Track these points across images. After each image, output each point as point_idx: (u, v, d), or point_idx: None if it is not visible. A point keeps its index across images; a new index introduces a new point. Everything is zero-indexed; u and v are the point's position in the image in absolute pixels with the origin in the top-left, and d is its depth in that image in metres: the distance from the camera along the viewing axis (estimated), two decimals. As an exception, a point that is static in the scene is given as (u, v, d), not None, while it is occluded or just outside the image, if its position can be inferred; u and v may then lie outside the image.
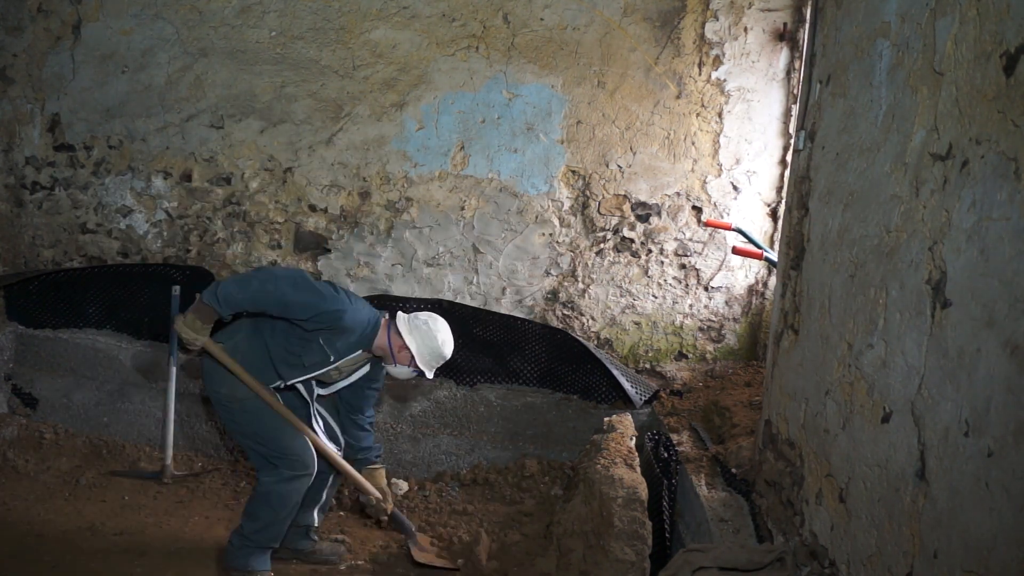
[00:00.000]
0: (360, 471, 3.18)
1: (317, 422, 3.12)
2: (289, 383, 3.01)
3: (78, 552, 3.19)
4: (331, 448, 3.10)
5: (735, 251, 3.54)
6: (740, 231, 3.88)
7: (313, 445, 3.02)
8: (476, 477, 4.04)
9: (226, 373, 2.93)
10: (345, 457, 3.18)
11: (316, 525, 3.29)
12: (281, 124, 4.28)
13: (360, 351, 3.01)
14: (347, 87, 4.20)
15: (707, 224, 4.01)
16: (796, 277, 2.64)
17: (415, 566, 3.27)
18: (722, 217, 4.13)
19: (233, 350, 2.93)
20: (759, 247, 3.72)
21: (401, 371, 3.05)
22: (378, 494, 3.21)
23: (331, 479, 3.25)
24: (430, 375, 3.06)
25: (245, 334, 3.00)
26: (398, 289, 4.31)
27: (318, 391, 3.13)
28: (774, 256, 3.70)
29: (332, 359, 2.95)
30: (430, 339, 3.00)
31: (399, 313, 3.08)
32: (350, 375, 3.11)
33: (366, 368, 3.13)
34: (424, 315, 3.08)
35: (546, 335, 4.14)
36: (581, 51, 4.06)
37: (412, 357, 2.99)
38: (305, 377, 3.00)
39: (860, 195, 2.14)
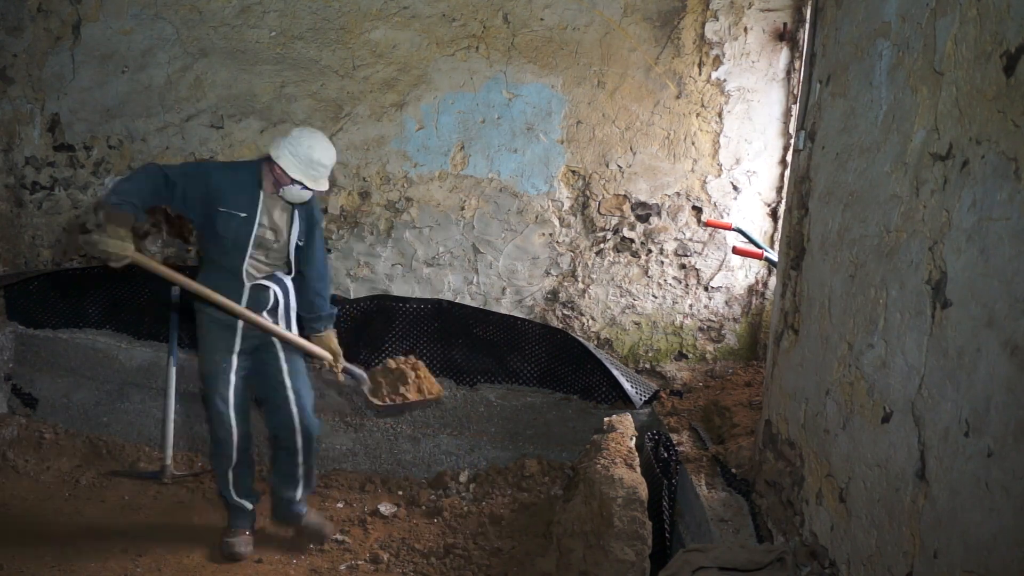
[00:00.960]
0: (311, 339, 3.32)
1: (281, 319, 3.26)
2: (248, 275, 3.15)
3: (78, 552, 3.20)
4: (273, 326, 3.20)
5: (735, 251, 3.54)
6: (740, 231, 3.88)
7: (260, 325, 3.14)
8: (477, 476, 4.04)
9: (201, 347, 3.22)
10: (301, 327, 3.35)
11: (299, 498, 3.44)
12: (281, 124, 4.28)
13: (262, 195, 3.11)
14: (347, 87, 4.20)
15: (707, 224, 4.01)
16: (796, 277, 2.64)
17: (376, 411, 3.32)
18: (722, 217, 4.13)
19: (206, 285, 3.05)
20: (759, 247, 3.72)
21: (292, 192, 3.10)
22: (328, 356, 3.31)
23: (299, 458, 3.37)
24: (317, 185, 3.09)
25: (202, 270, 3.20)
26: (398, 289, 4.31)
27: (291, 284, 3.28)
28: (774, 256, 3.70)
29: (245, 214, 3.07)
30: (296, 146, 3.05)
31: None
32: (290, 229, 3.20)
33: (297, 214, 3.21)
34: (296, 130, 3.13)
35: (546, 335, 4.14)
36: (581, 51, 4.06)
37: (284, 170, 3.04)
38: (249, 252, 3.11)
39: (860, 195, 2.14)
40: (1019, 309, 1.40)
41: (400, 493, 3.98)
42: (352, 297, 4.28)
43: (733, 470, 3.03)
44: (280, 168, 3.04)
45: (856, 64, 2.26)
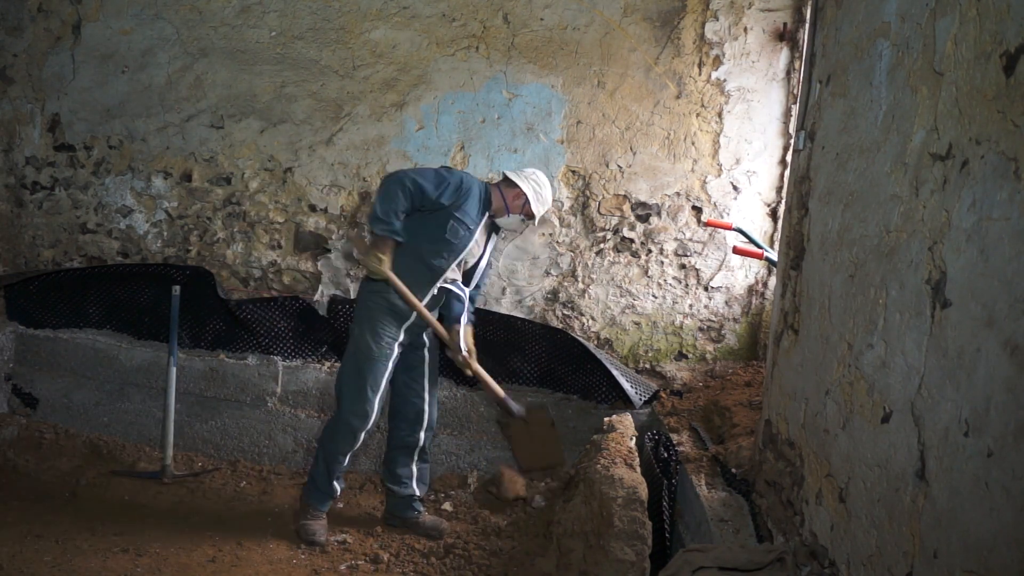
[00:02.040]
0: (449, 328, 3.48)
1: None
2: (441, 279, 3.37)
3: (78, 552, 3.19)
4: (435, 322, 3.42)
5: (736, 251, 3.55)
6: (741, 231, 3.88)
7: (429, 320, 3.36)
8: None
9: (361, 315, 3.36)
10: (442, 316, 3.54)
11: (418, 495, 3.59)
12: (281, 124, 4.28)
13: (485, 215, 3.39)
14: (347, 87, 4.20)
15: (708, 224, 4.01)
16: (796, 277, 2.64)
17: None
18: (722, 217, 4.12)
19: (397, 271, 3.28)
20: (759, 247, 3.72)
21: (513, 221, 3.45)
22: (465, 352, 3.45)
23: (419, 455, 3.57)
24: (538, 220, 3.50)
25: (400, 253, 3.32)
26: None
27: (465, 292, 3.50)
28: (775, 256, 3.70)
29: (472, 227, 3.33)
30: (539, 185, 3.42)
31: (504, 171, 3.51)
32: (484, 249, 3.50)
33: (492, 238, 3.54)
34: (529, 169, 3.50)
35: (546, 335, 4.14)
36: (581, 51, 4.06)
37: (525, 202, 3.37)
38: (457, 260, 3.37)
39: (860, 195, 2.14)
40: (1019, 309, 1.40)
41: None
42: (352, 297, 4.28)
43: (733, 470, 3.03)
44: (525, 199, 3.37)
45: (856, 64, 2.26)
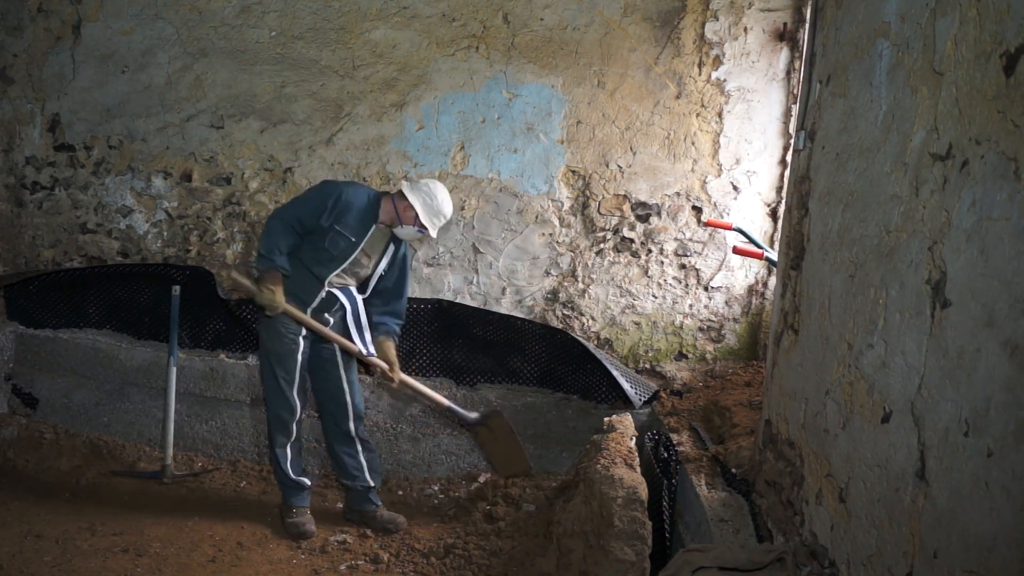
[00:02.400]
0: (374, 339, 3.56)
1: (358, 333, 3.53)
2: (328, 283, 3.42)
3: (78, 552, 3.19)
4: (330, 332, 3.47)
5: (736, 251, 3.55)
6: (741, 231, 3.88)
7: (320, 332, 3.44)
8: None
9: (267, 331, 3.43)
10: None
11: (375, 486, 3.64)
12: (281, 124, 4.28)
13: (373, 226, 3.41)
14: (347, 87, 4.20)
15: (708, 224, 4.01)
16: (796, 277, 2.64)
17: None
18: (722, 217, 4.12)
19: (286, 288, 3.36)
20: (759, 247, 3.72)
21: (407, 231, 3.43)
22: (382, 364, 3.53)
23: (358, 445, 3.60)
24: (434, 233, 3.43)
25: (290, 264, 3.41)
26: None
27: (359, 297, 3.55)
28: (774, 256, 3.70)
29: (354, 239, 3.38)
30: (430, 197, 3.38)
31: (402, 181, 3.56)
32: (380, 259, 3.51)
33: (391, 248, 3.52)
34: (424, 180, 3.45)
35: (546, 335, 4.14)
36: (581, 51, 4.06)
37: (416, 215, 3.36)
38: (340, 268, 3.41)
39: (860, 195, 2.14)
40: (1019, 309, 1.39)
41: (400, 493, 3.98)
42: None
43: (733, 470, 3.03)
44: (412, 210, 3.37)
45: (856, 64, 2.26)
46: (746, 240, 3.86)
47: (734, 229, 3.91)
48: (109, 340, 4.34)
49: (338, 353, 3.56)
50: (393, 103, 4.20)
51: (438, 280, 4.31)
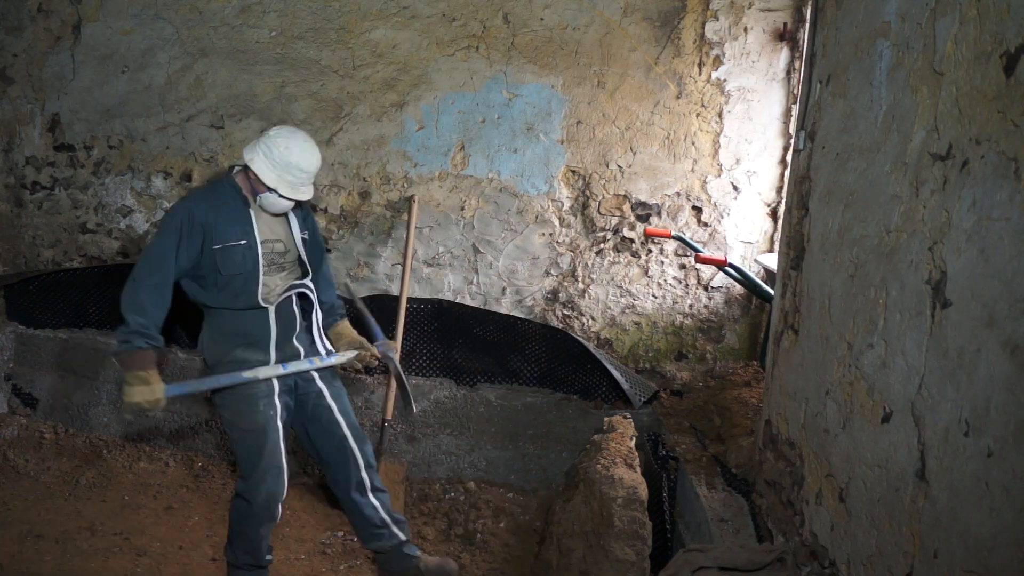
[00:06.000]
0: (329, 334, 3.03)
1: (319, 341, 2.97)
2: (270, 302, 2.78)
3: (78, 552, 3.20)
4: (307, 365, 2.88)
5: (699, 259, 3.67)
6: (680, 238, 3.93)
7: (297, 370, 2.84)
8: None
9: (231, 407, 2.79)
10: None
11: (404, 539, 3.09)
12: (281, 124, 4.28)
13: (249, 211, 2.74)
14: (347, 87, 4.20)
15: (646, 232, 3.97)
16: (796, 277, 2.64)
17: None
18: (722, 218, 4.13)
19: (215, 345, 2.78)
20: (697, 250, 3.82)
21: (267, 200, 2.72)
22: (357, 351, 3.00)
23: (371, 496, 3.03)
24: (291, 193, 2.68)
25: (207, 331, 2.82)
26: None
27: (294, 290, 2.88)
28: (737, 264, 3.84)
29: (244, 241, 2.70)
30: (270, 147, 2.66)
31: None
32: (290, 228, 2.85)
33: (293, 220, 2.86)
34: (273, 128, 2.76)
35: (546, 335, 4.14)
36: (581, 51, 4.06)
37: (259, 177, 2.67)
38: (263, 283, 2.74)
39: (860, 195, 2.14)
40: (1019, 309, 1.39)
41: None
42: (350, 297, 4.28)
43: (733, 470, 3.03)
44: (254, 174, 2.68)
45: (856, 64, 2.26)
46: (686, 245, 3.96)
47: (673, 237, 3.93)
48: (109, 340, 4.33)
49: (327, 396, 2.94)
50: (393, 103, 4.20)
51: (438, 280, 4.31)
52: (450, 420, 4.15)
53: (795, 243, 2.68)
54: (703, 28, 3.99)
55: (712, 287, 4.21)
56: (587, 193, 4.17)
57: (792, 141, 3.49)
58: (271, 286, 2.81)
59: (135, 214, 4.47)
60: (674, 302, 4.24)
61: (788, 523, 2.48)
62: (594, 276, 4.24)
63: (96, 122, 4.42)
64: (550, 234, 4.23)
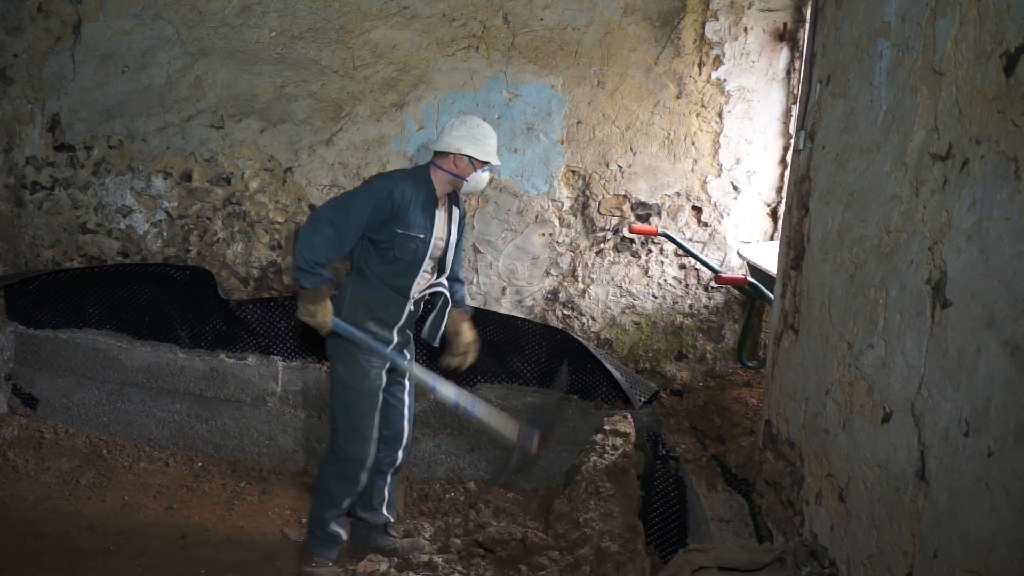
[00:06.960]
0: (450, 318, 3.24)
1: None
2: (411, 294, 3.04)
3: (78, 552, 3.19)
4: (421, 373, 3.17)
5: (633, 230, 3.82)
6: (667, 235, 3.94)
7: (410, 374, 3.13)
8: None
9: (346, 363, 3.01)
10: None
11: (392, 521, 3.34)
12: (281, 124, 4.28)
13: (436, 210, 3.02)
14: (347, 87, 4.20)
15: (632, 230, 4.00)
16: (796, 277, 2.64)
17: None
18: (722, 218, 4.13)
19: (360, 301, 3.00)
20: (689, 252, 3.86)
21: (475, 180, 3.04)
22: (471, 354, 3.29)
23: (392, 478, 3.28)
24: (497, 161, 3.05)
25: (359, 282, 3.03)
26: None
27: (434, 288, 3.14)
28: (712, 264, 3.90)
29: (423, 236, 2.96)
30: (470, 129, 3.00)
31: (430, 149, 3.12)
32: (449, 230, 3.12)
33: (455, 212, 3.14)
34: (455, 119, 3.08)
35: (546, 335, 4.14)
36: (581, 51, 4.06)
37: (470, 159, 2.98)
38: (422, 270, 3.01)
39: (860, 195, 2.14)
40: (1019, 309, 1.39)
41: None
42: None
43: (733, 470, 3.03)
44: (467, 158, 2.97)
45: (856, 64, 2.26)
46: (675, 244, 3.98)
47: (660, 234, 3.93)
48: (109, 340, 4.33)
49: (405, 383, 3.21)
50: (393, 103, 4.20)
51: (438, 280, 4.30)
52: (450, 420, 4.15)
53: (795, 243, 2.68)
54: (703, 28, 3.99)
55: (712, 287, 4.21)
56: (587, 193, 4.17)
57: (792, 141, 3.49)
58: (420, 282, 3.07)
59: (135, 214, 4.47)
60: (674, 302, 4.24)
61: (788, 523, 2.48)
62: (594, 276, 4.24)
63: (96, 122, 4.42)
64: (550, 234, 4.23)
